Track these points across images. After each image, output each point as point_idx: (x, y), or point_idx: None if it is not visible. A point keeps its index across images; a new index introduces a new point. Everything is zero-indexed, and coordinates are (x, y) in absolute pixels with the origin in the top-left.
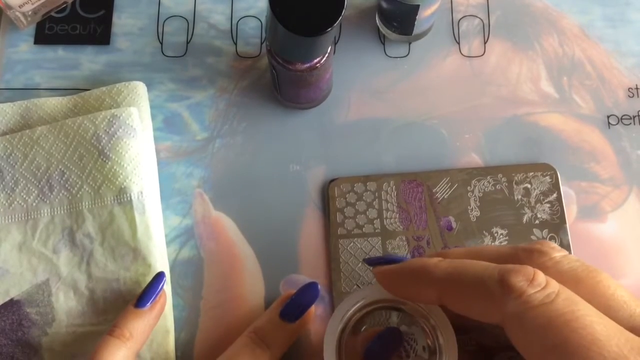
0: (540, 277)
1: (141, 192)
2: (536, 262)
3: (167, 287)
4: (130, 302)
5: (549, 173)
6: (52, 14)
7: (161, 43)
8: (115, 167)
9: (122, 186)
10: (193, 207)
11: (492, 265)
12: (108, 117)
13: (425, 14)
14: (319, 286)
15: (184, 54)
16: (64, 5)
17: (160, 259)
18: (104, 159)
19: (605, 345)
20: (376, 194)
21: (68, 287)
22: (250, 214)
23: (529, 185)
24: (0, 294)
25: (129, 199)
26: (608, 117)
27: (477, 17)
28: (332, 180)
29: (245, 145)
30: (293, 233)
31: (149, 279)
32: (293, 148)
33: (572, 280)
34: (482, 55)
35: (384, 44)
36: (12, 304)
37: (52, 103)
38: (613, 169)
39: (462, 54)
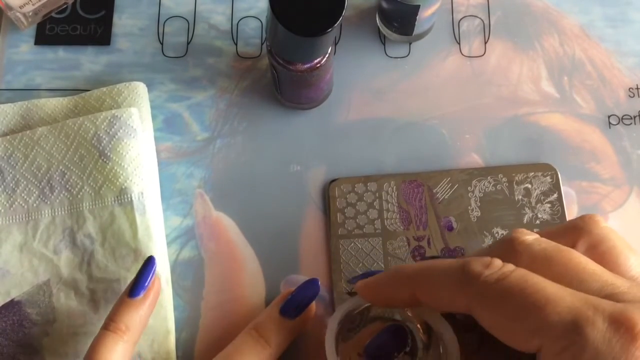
0: (497, 261)
1: (142, 193)
2: (508, 248)
3: (168, 287)
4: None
5: (549, 173)
6: (53, 14)
7: (162, 43)
8: (115, 168)
9: (123, 187)
10: (194, 207)
11: (456, 259)
12: (109, 118)
13: (425, 14)
14: (319, 282)
15: (185, 54)
16: (65, 5)
17: (161, 259)
18: (105, 160)
19: (559, 302)
20: (377, 195)
21: (69, 288)
22: (251, 214)
23: (529, 186)
24: (1, 294)
25: (129, 199)
26: (609, 117)
27: (477, 17)
28: (332, 181)
29: (246, 145)
30: (294, 233)
31: None
32: (293, 148)
33: (545, 259)
34: (482, 55)
35: (384, 44)
36: (12, 304)
37: (53, 104)
38: (614, 169)
39: (462, 54)
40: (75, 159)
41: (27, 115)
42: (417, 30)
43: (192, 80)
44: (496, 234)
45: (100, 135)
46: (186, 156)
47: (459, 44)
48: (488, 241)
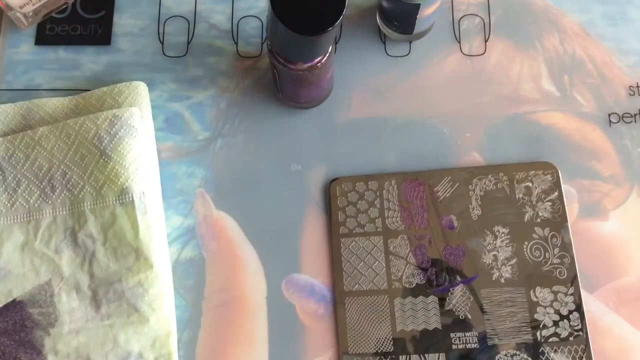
0: None
1: (143, 193)
2: None
3: (169, 287)
4: None
5: (550, 171)
6: (53, 14)
7: (162, 43)
8: (117, 168)
9: (124, 186)
10: (195, 206)
11: None
12: (110, 118)
13: (425, 12)
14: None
15: (185, 54)
16: (65, 5)
17: (162, 258)
18: (106, 159)
19: None
20: (377, 193)
21: (71, 288)
22: (251, 214)
23: (530, 184)
24: (3, 294)
25: (131, 199)
26: (609, 115)
27: (477, 15)
28: (333, 180)
29: (247, 144)
30: (294, 232)
31: (151, 279)
32: (294, 147)
33: None
34: (483, 54)
35: (384, 43)
36: (14, 304)
37: (54, 103)
38: (614, 167)
39: (462, 52)
40: (76, 158)
41: (28, 115)
42: (418, 29)
43: (192, 80)
44: (497, 232)
45: (102, 134)
46: (187, 156)
47: (459, 42)
48: (489, 240)
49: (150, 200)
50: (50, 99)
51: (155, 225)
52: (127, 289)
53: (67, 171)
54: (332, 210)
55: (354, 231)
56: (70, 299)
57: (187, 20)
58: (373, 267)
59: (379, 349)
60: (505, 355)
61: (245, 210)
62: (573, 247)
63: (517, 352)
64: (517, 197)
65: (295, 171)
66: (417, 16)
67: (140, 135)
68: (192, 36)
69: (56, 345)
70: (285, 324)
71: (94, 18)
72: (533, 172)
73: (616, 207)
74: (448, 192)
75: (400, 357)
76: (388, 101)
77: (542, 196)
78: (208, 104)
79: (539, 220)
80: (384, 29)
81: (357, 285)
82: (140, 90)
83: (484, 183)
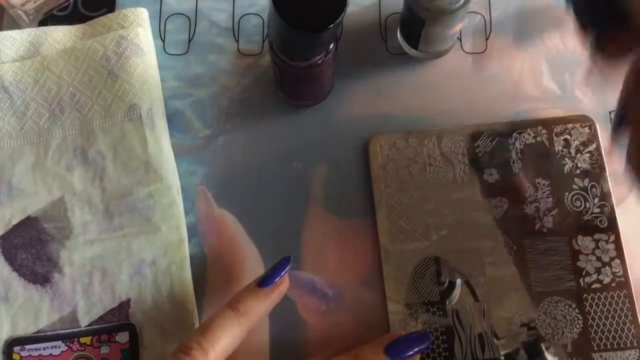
0: None
1: (150, 109)
2: None
3: (179, 198)
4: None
5: (587, 124)
6: (54, 12)
7: (163, 41)
8: (124, 85)
9: (132, 103)
10: (196, 204)
11: None
12: (116, 38)
13: (450, 32)
14: (291, 258)
15: (186, 51)
16: (66, 3)
17: (171, 171)
18: (114, 78)
19: None
20: (418, 150)
21: (83, 203)
22: (253, 211)
23: (568, 137)
24: (18, 212)
25: (138, 115)
26: (610, 112)
27: (478, 13)
28: (372, 137)
29: (248, 142)
30: (295, 230)
31: (161, 190)
32: (295, 145)
33: None
34: (484, 51)
35: (385, 41)
36: (29, 220)
37: (61, 31)
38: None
39: (464, 50)
40: (85, 80)
41: (37, 42)
42: (437, 47)
43: (194, 78)
44: (538, 185)
45: (109, 55)
46: (188, 153)
47: (460, 40)
48: (530, 192)
49: (157, 116)
50: (57, 27)
51: (163, 141)
52: (138, 201)
53: (75, 93)
54: (373, 167)
55: (396, 187)
56: (84, 212)
57: (188, 18)
58: (417, 220)
59: (426, 298)
60: (550, 301)
61: (246, 208)
62: (612, 196)
63: (562, 299)
64: (556, 149)
65: (297, 169)
66: (424, 32)
67: (145, 55)
68: (194, 34)
69: (72, 256)
70: (286, 321)
71: (95, 15)
72: (571, 125)
73: (618, 205)
74: (488, 147)
75: (447, 306)
76: (389, 99)
77: (581, 148)
78: (209, 102)
79: (578, 171)
80: (403, 44)
81: (401, 238)
82: (144, 16)
83: (524, 137)
